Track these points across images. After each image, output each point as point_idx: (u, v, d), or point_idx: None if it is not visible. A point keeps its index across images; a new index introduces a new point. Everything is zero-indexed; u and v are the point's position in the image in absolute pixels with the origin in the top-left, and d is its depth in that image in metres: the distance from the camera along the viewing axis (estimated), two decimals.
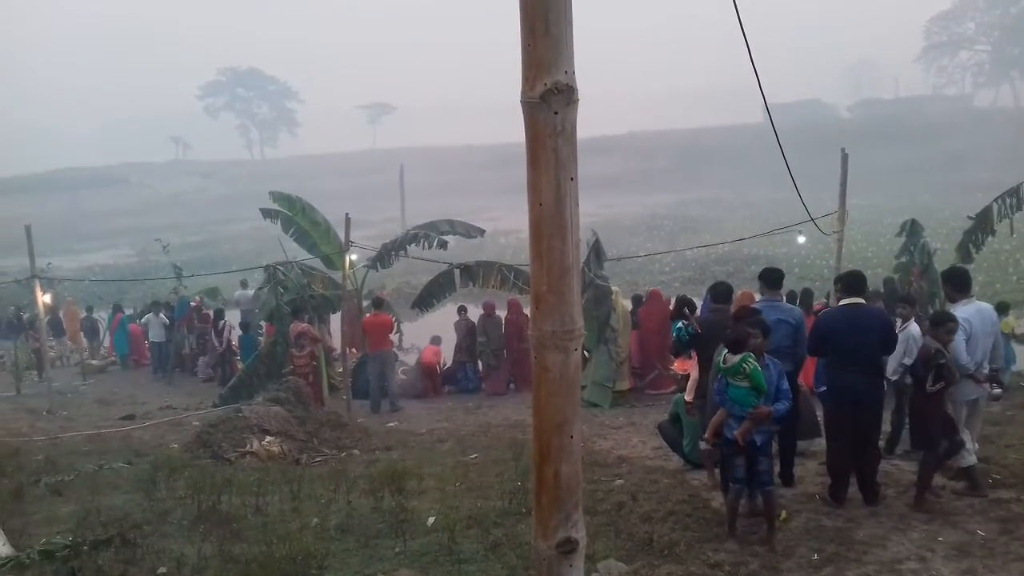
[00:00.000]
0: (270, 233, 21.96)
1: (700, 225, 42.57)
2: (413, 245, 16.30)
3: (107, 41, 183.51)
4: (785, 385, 6.25)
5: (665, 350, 14.15)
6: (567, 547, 2.09)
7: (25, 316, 22.57)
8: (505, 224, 43.34)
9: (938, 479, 7.03)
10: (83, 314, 22.57)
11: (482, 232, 17.37)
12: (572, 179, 2.01)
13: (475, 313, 16.28)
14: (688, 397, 7.81)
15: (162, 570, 5.63)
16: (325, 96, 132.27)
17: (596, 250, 13.70)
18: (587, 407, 12.23)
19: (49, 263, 23.94)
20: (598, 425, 11.27)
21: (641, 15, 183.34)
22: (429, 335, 16.75)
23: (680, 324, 7.62)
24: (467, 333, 15.72)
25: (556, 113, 1.99)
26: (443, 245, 16.28)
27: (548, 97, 1.97)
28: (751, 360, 6.00)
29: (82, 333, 22.26)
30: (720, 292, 7.92)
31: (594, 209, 46.17)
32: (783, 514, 6.48)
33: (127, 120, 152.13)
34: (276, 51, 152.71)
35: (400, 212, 45.53)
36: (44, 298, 16.63)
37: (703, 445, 6.54)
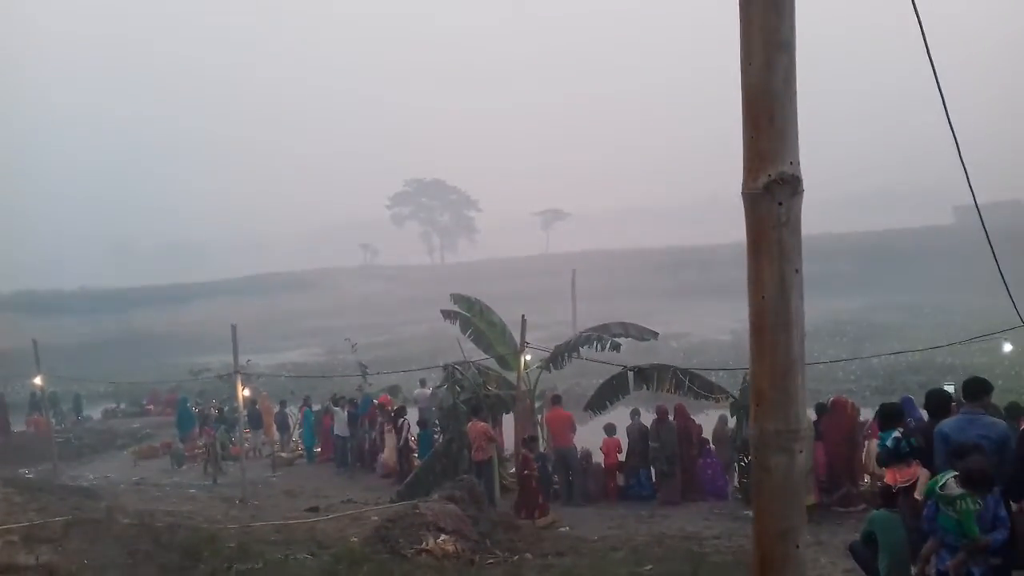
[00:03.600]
0: (447, 333, 22.66)
1: (886, 331, 40.06)
2: (586, 347, 16.30)
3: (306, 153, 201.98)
4: (1003, 512, 5.65)
5: (854, 463, 13.22)
6: None
7: (225, 409, 24.23)
8: (676, 327, 42.57)
9: None
10: (276, 408, 24.00)
11: (655, 335, 17.11)
12: (797, 271, 1.94)
13: (647, 418, 15.89)
14: (917, 495, 7.18)
15: None
16: (502, 203, 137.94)
17: None
18: None
19: (249, 359, 25.70)
20: None
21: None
22: (600, 437, 15.97)
23: (897, 434, 7.09)
24: (640, 438, 15.31)
25: (780, 204, 1.94)
26: (616, 347, 16.14)
27: (772, 188, 1.94)
28: (969, 502, 5.47)
29: (275, 426, 23.62)
30: (938, 404, 7.34)
31: None
32: None
33: (322, 228, 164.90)
34: (458, 161, 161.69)
35: (571, 315, 45.88)
36: (244, 392, 17.84)
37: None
